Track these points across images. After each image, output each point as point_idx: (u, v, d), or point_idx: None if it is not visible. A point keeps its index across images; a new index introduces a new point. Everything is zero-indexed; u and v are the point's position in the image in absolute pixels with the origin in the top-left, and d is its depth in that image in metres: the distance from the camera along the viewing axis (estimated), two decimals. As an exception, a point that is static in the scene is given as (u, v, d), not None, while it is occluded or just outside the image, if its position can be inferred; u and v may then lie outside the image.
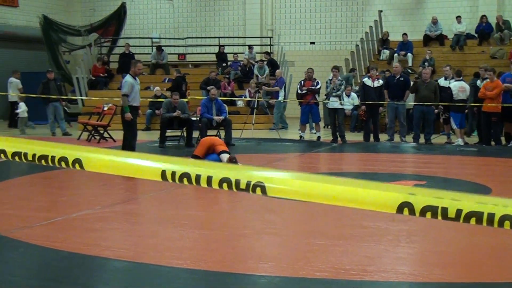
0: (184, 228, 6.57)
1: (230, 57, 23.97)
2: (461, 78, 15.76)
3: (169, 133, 14.84)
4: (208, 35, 26.00)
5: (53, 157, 1.67)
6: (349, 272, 4.93)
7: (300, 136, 16.34)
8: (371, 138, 15.73)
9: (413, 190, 1.42)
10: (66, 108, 19.90)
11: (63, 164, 1.65)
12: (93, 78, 22.96)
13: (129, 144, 11.43)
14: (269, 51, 23.91)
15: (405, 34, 22.49)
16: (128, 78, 11.35)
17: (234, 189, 1.54)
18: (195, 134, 15.17)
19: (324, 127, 18.85)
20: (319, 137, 16.18)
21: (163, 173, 1.59)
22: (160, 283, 4.81)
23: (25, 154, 1.69)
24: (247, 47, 23.97)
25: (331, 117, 15.87)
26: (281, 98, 19.27)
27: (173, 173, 1.59)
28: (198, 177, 1.57)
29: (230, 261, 5.34)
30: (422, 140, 15.28)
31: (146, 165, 1.64)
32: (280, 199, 8.30)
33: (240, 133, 16.56)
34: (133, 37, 26.12)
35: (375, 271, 4.99)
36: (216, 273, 4.98)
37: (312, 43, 25.73)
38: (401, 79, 15.80)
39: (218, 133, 15.38)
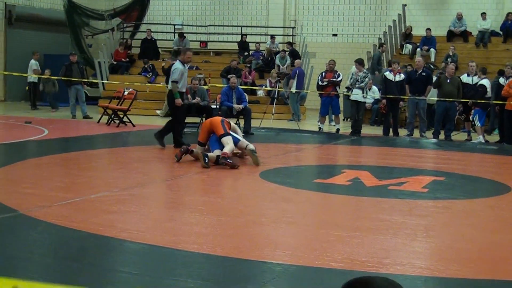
0: (201, 213, 6.58)
1: (252, 47, 23.92)
2: (485, 76, 15.63)
3: (188, 119, 14.85)
4: (230, 24, 25.95)
5: None
6: (365, 264, 4.91)
7: (319, 128, 16.29)
8: (391, 133, 15.65)
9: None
10: (86, 91, 20.01)
11: None
12: (115, 62, 23.05)
13: (171, 128, 11.89)
14: (291, 41, 23.83)
15: (428, 29, 22.30)
16: (178, 65, 11.73)
17: None
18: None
19: (343, 119, 18.78)
20: (338, 130, 16.13)
21: None
22: (176, 267, 4.83)
23: None
24: (269, 37, 23.91)
25: (353, 109, 15.77)
26: (293, 89, 19.18)
27: None
28: None
29: (246, 248, 5.35)
30: (441, 136, 15.18)
31: None
32: (298, 189, 8.33)
33: (260, 123, 16.55)
34: (155, 23, 26.15)
35: (391, 264, 4.97)
36: (233, 259, 4.98)
37: (335, 35, 25.60)
38: (423, 74, 15.68)
39: (238, 122, 15.38)
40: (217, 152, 9.80)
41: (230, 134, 10.13)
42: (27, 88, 21.69)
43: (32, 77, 20.76)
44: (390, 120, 15.83)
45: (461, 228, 6.41)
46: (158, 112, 19.18)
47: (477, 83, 15.35)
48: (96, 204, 6.89)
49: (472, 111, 15.24)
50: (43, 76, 20.42)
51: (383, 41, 22.14)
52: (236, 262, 4.93)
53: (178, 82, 11.63)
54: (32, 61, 20.90)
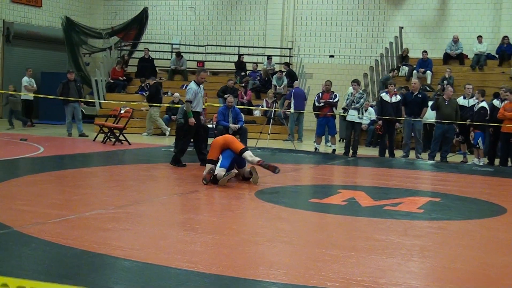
0: (196, 232, 6.55)
1: (249, 67, 24.00)
2: (483, 98, 15.69)
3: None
4: (228, 44, 26.08)
5: None
6: (360, 284, 4.88)
7: (315, 148, 16.31)
8: (386, 154, 15.66)
9: None
10: (82, 110, 20.02)
11: None
12: (112, 81, 23.08)
13: (181, 149, 12.12)
14: (288, 62, 23.94)
15: (425, 51, 22.44)
16: (192, 85, 12.01)
17: None
18: (210, 141, 15.18)
19: (339, 140, 18.81)
20: (334, 150, 16.14)
21: None
22: (170, 285, 4.79)
23: None
24: (266, 57, 24.00)
25: (348, 130, 15.81)
26: (292, 109, 19.26)
27: None
28: None
29: (241, 267, 5.32)
30: (437, 158, 15.19)
31: None
32: (293, 209, 8.31)
33: (256, 142, 16.55)
34: (153, 42, 26.27)
35: (386, 284, 4.94)
36: (227, 278, 4.95)
37: (332, 56, 25.72)
38: (419, 96, 15.75)
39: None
40: (221, 170, 9.81)
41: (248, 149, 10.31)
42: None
43: (24, 95, 20.72)
44: (386, 141, 15.85)
45: (456, 248, 6.39)
46: (143, 135, 19.25)
47: (473, 105, 15.40)
48: (91, 221, 6.86)
49: (473, 133, 15.21)
50: (9, 92, 20.47)
51: (379, 63, 22.24)
52: (230, 281, 4.90)
53: (192, 102, 11.85)
54: (25, 78, 20.91)
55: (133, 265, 5.26)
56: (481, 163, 15.02)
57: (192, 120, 11.90)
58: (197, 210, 8.29)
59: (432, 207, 8.76)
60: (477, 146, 15.25)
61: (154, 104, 18.60)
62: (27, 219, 6.72)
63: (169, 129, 19.49)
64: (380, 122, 15.87)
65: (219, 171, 9.83)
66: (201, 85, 12.20)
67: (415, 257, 5.89)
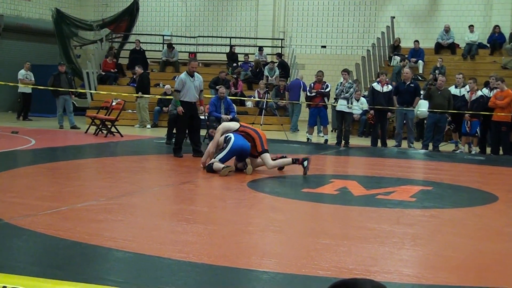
0: (188, 222, 6.54)
1: (241, 58, 23.95)
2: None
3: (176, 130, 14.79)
4: (219, 35, 25.99)
5: None
6: (352, 272, 4.89)
7: (308, 139, 16.30)
8: (379, 144, 15.67)
9: None
10: (74, 102, 19.93)
11: None
12: (103, 73, 22.99)
13: (177, 140, 12.29)
14: (280, 53, 23.89)
15: (416, 41, 22.44)
16: (182, 75, 12.32)
17: None
18: (203, 132, 15.15)
19: (332, 131, 18.81)
20: (326, 140, 16.15)
21: None
22: (163, 275, 4.78)
23: None
24: (257, 48, 23.95)
25: (338, 120, 15.81)
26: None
27: None
28: None
29: (233, 256, 5.31)
30: (429, 147, 15.22)
31: None
32: (286, 198, 8.31)
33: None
34: (144, 34, 26.16)
35: (378, 272, 4.95)
36: (219, 267, 4.94)
37: (324, 46, 25.69)
38: (411, 85, 15.75)
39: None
40: (219, 162, 9.88)
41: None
42: (18, 100, 21.57)
43: (21, 88, 20.60)
44: (378, 131, 15.86)
45: (448, 236, 6.41)
46: (136, 126, 19.21)
47: (464, 95, 15.40)
48: (83, 213, 6.83)
49: (469, 122, 15.15)
50: (30, 86, 20.29)
51: (371, 53, 22.23)
52: (222, 270, 4.90)
53: (179, 91, 12.04)
54: (21, 71, 20.77)
55: (126, 255, 5.25)
56: (474, 151, 15.04)
57: (180, 108, 12.08)
58: (189, 201, 8.28)
59: (424, 195, 8.78)
60: (476, 134, 15.25)
61: (143, 95, 18.56)
62: (18, 211, 6.69)
63: (150, 122, 19.50)
64: (372, 112, 15.86)
65: (218, 164, 9.85)
66: (195, 75, 12.25)
67: (407, 245, 5.90)
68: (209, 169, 9.92)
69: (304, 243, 5.89)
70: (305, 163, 10.32)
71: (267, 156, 10.34)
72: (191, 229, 6.25)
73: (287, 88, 19.74)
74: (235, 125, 10.68)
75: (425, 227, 6.89)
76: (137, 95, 19.19)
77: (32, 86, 20.03)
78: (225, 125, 10.77)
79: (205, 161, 10.33)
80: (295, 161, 10.44)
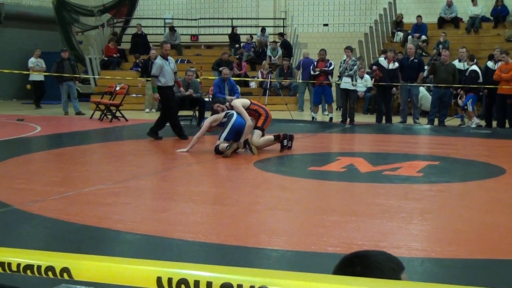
0: (196, 203, 6.55)
1: (243, 39, 23.85)
2: (474, 61, 15.63)
3: (181, 112, 14.79)
4: (221, 16, 25.87)
5: (39, 267, 1.59)
6: (361, 247, 4.89)
7: (312, 117, 16.28)
8: (384, 120, 15.63)
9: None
10: (77, 88, 19.88)
11: (50, 274, 1.57)
12: (106, 58, 22.94)
13: (163, 123, 12.00)
14: (282, 32, 23.78)
15: (419, 16, 22.27)
16: (158, 60, 11.92)
17: None
18: (207, 114, 15.13)
19: (336, 109, 18.76)
20: (331, 118, 16.11)
21: (159, 279, 1.49)
22: (172, 255, 4.80)
23: (9, 264, 1.62)
24: (259, 28, 23.84)
25: (342, 98, 15.76)
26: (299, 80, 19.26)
27: (170, 280, 1.48)
28: (196, 283, 1.46)
29: (242, 235, 5.33)
30: (435, 122, 15.18)
31: (140, 271, 1.53)
32: (293, 177, 8.31)
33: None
34: (146, 18, 26.04)
35: (387, 247, 4.96)
36: (228, 247, 4.96)
37: (326, 25, 25.54)
38: (415, 60, 15.68)
39: (231, 113, 15.31)
40: (223, 142, 9.96)
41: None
42: (28, 86, 21.43)
43: (33, 75, 20.42)
44: (383, 107, 15.80)
45: (456, 210, 6.41)
46: (146, 111, 19.15)
47: (467, 69, 15.34)
48: (91, 197, 6.86)
49: (464, 96, 15.18)
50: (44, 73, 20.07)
51: (374, 30, 22.11)
52: (232, 249, 4.92)
53: (157, 76, 11.70)
54: (31, 59, 20.47)
55: (135, 237, 5.28)
56: (474, 125, 14.97)
57: (156, 96, 11.98)
58: (196, 182, 8.29)
59: (431, 170, 8.76)
60: (465, 108, 15.20)
61: (147, 78, 18.50)
62: (27, 197, 6.72)
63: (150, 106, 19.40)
64: (375, 67, 15.57)
65: (222, 143, 9.86)
66: (169, 58, 12.07)
67: (415, 220, 5.90)
68: (216, 150, 9.90)
69: (312, 221, 5.90)
70: (285, 142, 10.36)
71: (257, 133, 10.31)
72: (199, 209, 6.27)
73: (298, 67, 19.61)
74: (247, 101, 10.72)
75: (433, 201, 6.89)
76: (141, 79, 19.13)
77: (45, 73, 19.87)
78: (241, 101, 10.73)
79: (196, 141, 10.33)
80: (276, 137, 10.46)
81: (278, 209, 6.34)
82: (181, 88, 13.68)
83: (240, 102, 10.53)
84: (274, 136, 10.48)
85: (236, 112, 10.28)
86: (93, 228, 5.50)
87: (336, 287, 1.37)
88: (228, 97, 14.82)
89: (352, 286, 1.38)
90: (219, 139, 10.11)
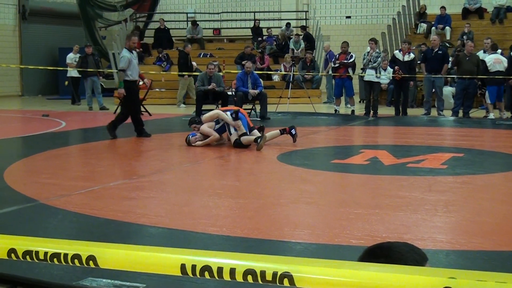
0: (219, 197, 6.58)
1: (265, 32, 23.83)
2: (498, 51, 15.45)
3: (204, 106, 14.84)
4: (243, 10, 25.86)
5: (65, 255, 1.63)
6: (384, 240, 4.86)
7: (335, 110, 16.24)
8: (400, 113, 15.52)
9: (453, 274, 1.32)
10: (101, 83, 19.97)
11: (76, 262, 1.61)
12: (129, 53, 23.03)
13: (122, 118, 11.46)
14: (305, 25, 23.72)
15: (443, 7, 22.06)
16: (125, 53, 11.19)
17: (260, 281, 1.45)
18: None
19: (359, 101, 18.68)
20: (353, 111, 16.05)
21: (183, 266, 1.51)
22: (196, 248, 4.83)
23: (37, 253, 1.66)
24: (282, 22, 23.79)
25: (366, 90, 15.69)
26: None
27: (193, 267, 1.51)
28: (220, 270, 1.49)
29: (266, 229, 5.34)
30: (459, 114, 15.06)
31: (164, 258, 1.56)
32: (316, 170, 8.30)
33: (276, 107, 16.51)
34: (168, 12, 26.14)
35: (411, 239, 4.93)
36: (252, 240, 4.98)
37: (348, 17, 25.43)
38: (439, 52, 15.55)
39: (254, 107, 15.35)
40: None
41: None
42: (66, 82, 21.51)
43: (70, 71, 20.03)
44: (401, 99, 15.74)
45: (481, 202, 6.36)
46: (182, 106, 18.91)
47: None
48: (115, 191, 6.92)
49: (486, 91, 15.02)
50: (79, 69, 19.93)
51: (396, 21, 21.94)
52: (255, 243, 4.93)
53: (125, 70, 11.14)
54: (70, 54, 20.25)
55: (159, 231, 5.32)
56: (489, 117, 14.80)
57: (122, 91, 11.25)
58: (219, 176, 8.32)
59: (455, 162, 8.70)
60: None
61: (184, 73, 18.43)
62: (53, 192, 6.79)
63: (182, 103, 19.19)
64: (397, 67, 15.45)
65: (248, 137, 9.85)
66: (134, 52, 11.52)
67: (439, 212, 5.87)
68: (237, 145, 9.89)
69: (336, 213, 5.90)
70: (293, 131, 10.29)
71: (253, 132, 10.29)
72: (223, 203, 6.29)
73: (326, 61, 19.56)
74: (214, 111, 10.65)
75: (457, 193, 6.85)
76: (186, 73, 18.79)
77: (80, 69, 19.79)
78: (206, 115, 10.53)
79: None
80: (282, 131, 10.36)
81: (301, 202, 6.34)
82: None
83: (208, 115, 10.42)
84: (280, 130, 10.41)
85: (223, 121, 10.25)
86: (117, 222, 5.55)
87: (358, 274, 1.38)
88: (251, 91, 14.85)
89: (375, 272, 1.39)
90: (230, 134, 10.09)
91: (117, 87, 11.24)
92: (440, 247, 4.80)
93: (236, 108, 10.65)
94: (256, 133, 10.13)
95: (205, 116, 10.56)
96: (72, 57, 20.15)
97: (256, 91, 14.89)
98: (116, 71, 11.07)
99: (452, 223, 5.58)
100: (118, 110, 16.60)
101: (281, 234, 5.18)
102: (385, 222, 5.46)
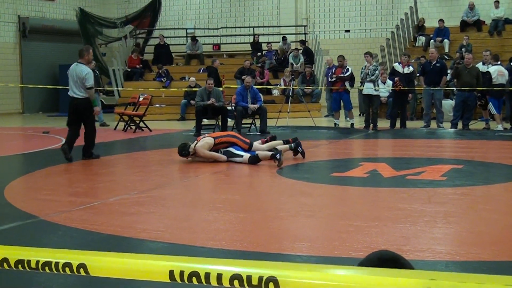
0: (219, 211, 6.59)
1: (265, 47, 23.93)
2: (499, 62, 15.51)
3: (203, 121, 14.88)
4: (242, 25, 26.00)
5: (56, 263, 1.66)
6: (384, 252, 4.88)
7: (335, 124, 16.27)
8: (397, 124, 15.53)
9: (434, 275, 1.35)
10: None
11: (67, 270, 1.64)
12: (129, 69, 23.16)
13: (93, 141, 10.76)
14: (304, 39, 23.83)
15: (441, 20, 22.18)
16: (89, 69, 10.47)
17: (246, 286, 1.48)
18: (230, 122, 15.23)
19: (359, 114, 18.72)
20: (352, 124, 16.08)
21: (171, 273, 1.55)
22: (196, 263, 4.84)
23: (28, 262, 1.70)
24: (281, 36, 23.91)
25: (365, 103, 15.73)
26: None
27: (181, 273, 1.55)
28: (207, 276, 1.52)
29: (265, 242, 5.35)
30: (459, 126, 15.09)
31: (153, 265, 1.60)
32: (316, 183, 8.31)
33: (276, 122, 16.55)
34: (168, 28, 26.28)
35: (410, 251, 4.95)
36: (252, 253, 4.98)
37: (347, 31, 25.54)
38: (437, 64, 15.61)
39: (254, 121, 15.39)
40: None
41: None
42: None
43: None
44: (397, 112, 15.80)
45: (481, 213, 6.37)
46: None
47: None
48: (115, 207, 6.93)
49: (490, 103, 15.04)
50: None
51: (395, 35, 22.03)
52: (255, 256, 4.93)
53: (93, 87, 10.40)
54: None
55: (159, 246, 5.32)
56: (497, 128, 14.84)
57: (98, 109, 10.73)
58: (219, 190, 8.34)
59: (455, 174, 8.71)
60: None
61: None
62: (53, 208, 6.81)
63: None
64: (397, 78, 15.48)
65: (265, 152, 9.84)
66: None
67: (439, 223, 5.88)
68: (253, 161, 9.82)
69: (335, 226, 5.91)
70: (293, 145, 10.23)
71: (256, 146, 10.26)
72: (223, 217, 6.30)
73: (326, 74, 19.63)
74: (211, 139, 10.27)
75: (457, 204, 6.85)
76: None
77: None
78: (202, 143, 10.19)
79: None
80: (286, 142, 10.33)
81: (301, 215, 6.35)
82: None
83: (202, 147, 10.13)
84: (283, 141, 10.41)
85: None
86: (117, 237, 5.56)
87: (341, 277, 1.41)
88: (250, 106, 14.89)
89: (357, 275, 1.42)
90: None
91: (93, 105, 10.50)
92: (439, 258, 4.81)
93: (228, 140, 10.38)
94: (259, 147, 10.14)
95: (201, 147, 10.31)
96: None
97: (256, 106, 14.93)
98: (87, 88, 10.21)
99: (452, 234, 5.59)
100: (119, 127, 16.72)
101: (280, 247, 5.19)
102: (385, 234, 5.47)
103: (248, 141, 10.24)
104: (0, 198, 7.33)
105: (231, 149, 10.05)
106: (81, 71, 10.30)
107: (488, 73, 14.98)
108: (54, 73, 24.79)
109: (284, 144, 10.32)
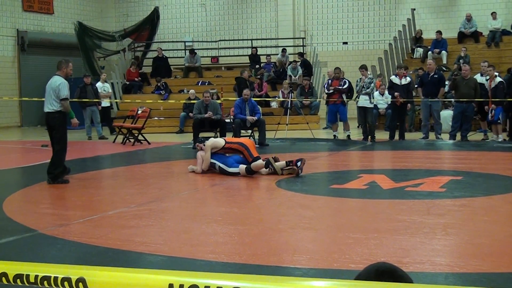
0: (218, 224, 6.58)
1: (263, 59, 23.98)
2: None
3: (201, 134, 14.87)
4: (240, 38, 26.07)
5: (55, 278, 1.67)
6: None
7: (334, 136, 16.28)
8: (396, 136, 15.53)
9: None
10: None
11: (66, 284, 1.65)
12: (128, 82, 23.19)
13: (62, 157, 9.86)
14: (302, 52, 23.89)
15: (438, 31, 22.25)
16: (64, 81, 9.81)
17: None
18: (229, 134, 15.22)
19: (357, 127, 18.73)
20: (348, 136, 16.09)
21: (171, 286, 1.56)
22: (195, 276, 4.82)
23: (27, 277, 1.70)
24: (280, 48, 23.97)
25: (361, 116, 15.72)
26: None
27: (181, 286, 1.55)
28: None
29: (264, 255, 5.34)
30: (457, 137, 15.10)
31: (153, 279, 1.61)
32: (315, 195, 8.31)
33: (274, 134, 16.56)
34: (166, 41, 26.35)
35: (410, 263, 4.94)
36: (251, 266, 4.98)
37: (345, 43, 25.62)
38: (435, 76, 15.65)
39: (252, 134, 15.39)
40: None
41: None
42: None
43: (106, 102, 19.41)
44: (396, 123, 15.80)
45: (480, 224, 6.36)
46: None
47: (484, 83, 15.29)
48: (114, 220, 6.92)
49: (493, 111, 15.01)
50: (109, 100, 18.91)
51: (393, 46, 22.09)
52: (254, 269, 4.92)
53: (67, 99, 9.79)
54: (98, 83, 19.35)
55: (158, 259, 5.31)
56: (500, 139, 14.87)
57: (75, 121, 10.16)
58: (218, 203, 8.33)
59: (454, 185, 8.72)
60: (499, 121, 15.09)
61: None
62: (52, 221, 6.80)
63: None
64: (396, 93, 15.49)
65: (260, 162, 9.89)
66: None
67: (438, 235, 5.87)
68: (249, 172, 9.84)
69: (334, 238, 5.90)
70: (299, 163, 10.05)
71: (259, 163, 10.22)
72: (221, 230, 6.30)
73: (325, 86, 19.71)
74: (222, 141, 10.45)
75: (456, 216, 6.85)
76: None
77: (109, 100, 19.40)
78: (213, 141, 10.48)
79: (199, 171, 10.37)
80: (289, 163, 10.17)
81: (300, 228, 6.34)
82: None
83: (212, 145, 10.27)
84: (286, 162, 10.35)
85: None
86: (116, 250, 5.55)
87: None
88: (249, 118, 14.89)
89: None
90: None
91: (70, 117, 9.92)
92: (439, 270, 4.80)
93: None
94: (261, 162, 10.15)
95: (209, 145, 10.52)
96: (101, 86, 19.30)
97: (254, 118, 14.93)
98: (62, 99, 9.65)
99: (451, 246, 5.58)
100: (118, 140, 16.73)
101: (279, 260, 5.18)
102: (384, 246, 5.46)
103: (255, 155, 10.17)
104: (-1, 212, 7.32)
105: (223, 166, 10.08)
106: (55, 82, 9.72)
107: (501, 82, 14.93)
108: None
109: (287, 165, 10.20)
